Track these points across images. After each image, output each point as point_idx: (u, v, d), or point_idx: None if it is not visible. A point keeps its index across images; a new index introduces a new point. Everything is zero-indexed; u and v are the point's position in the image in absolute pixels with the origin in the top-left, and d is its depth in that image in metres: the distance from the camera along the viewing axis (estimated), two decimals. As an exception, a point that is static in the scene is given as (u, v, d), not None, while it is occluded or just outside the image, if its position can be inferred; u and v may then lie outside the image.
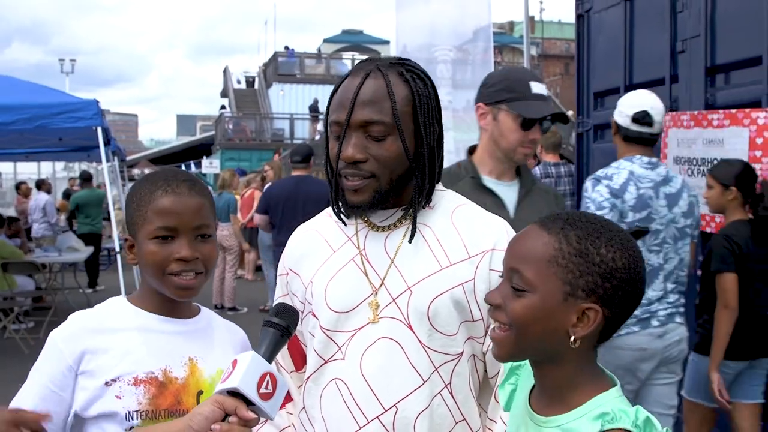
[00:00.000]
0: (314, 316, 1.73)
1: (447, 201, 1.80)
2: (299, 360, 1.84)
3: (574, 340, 1.25)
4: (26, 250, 10.51)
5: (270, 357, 1.42)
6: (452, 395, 1.67)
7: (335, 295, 1.71)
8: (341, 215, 1.76)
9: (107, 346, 1.63)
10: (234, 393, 1.36)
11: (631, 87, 5.23)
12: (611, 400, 1.26)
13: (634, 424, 1.19)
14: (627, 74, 5.23)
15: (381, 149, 1.64)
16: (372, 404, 1.64)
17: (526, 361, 1.40)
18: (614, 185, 3.27)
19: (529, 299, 1.26)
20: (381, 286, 1.68)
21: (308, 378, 1.76)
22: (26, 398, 1.62)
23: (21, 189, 15.80)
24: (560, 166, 6.57)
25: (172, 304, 1.71)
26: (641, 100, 3.41)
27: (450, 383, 1.67)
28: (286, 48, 37.77)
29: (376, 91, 1.64)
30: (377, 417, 1.64)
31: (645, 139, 3.37)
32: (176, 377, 1.64)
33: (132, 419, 1.58)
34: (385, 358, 1.66)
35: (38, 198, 13.84)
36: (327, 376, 1.71)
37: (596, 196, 3.26)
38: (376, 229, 1.75)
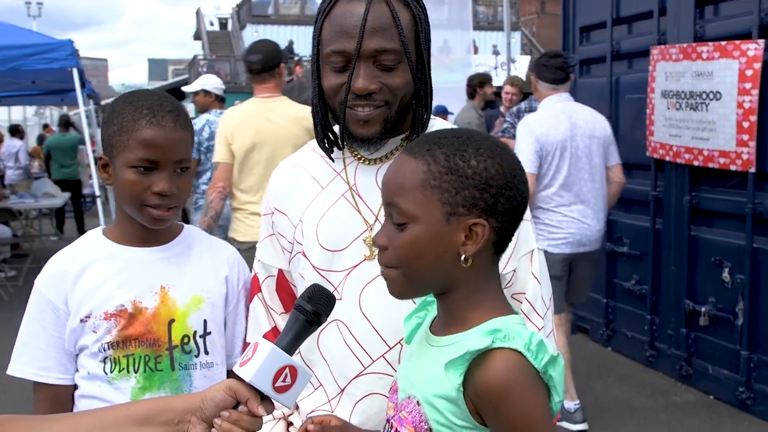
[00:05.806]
0: (305, 256, 1.68)
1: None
2: (288, 301, 1.79)
3: (465, 258, 1.22)
4: (1, 196, 10.33)
5: (292, 347, 1.36)
6: None
7: (327, 233, 1.65)
8: (330, 150, 1.69)
9: (81, 282, 1.69)
10: None
11: (618, 20, 5.20)
12: (508, 323, 1.22)
13: (527, 347, 1.15)
14: (614, 8, 5.18)
15: (393, 78, 1.57)
16: (376, 343, 1.61)
17: None
18: (196, 127, 5.36)
19: (412, 230, 1.23)
20: (375, 221, 1.63)
21: None
22: (38, 354, 1.69)
23: (-7, 135, 15.43)
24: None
25: (147, 232, 1.72)
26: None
27: None
28: (260, -12, 37.01)
29: (382, 17, 1.55)
30: (382, 355, 1.61)
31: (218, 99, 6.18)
32: (146, 307, 1.69)
33: (105, 350, 1.67)
34: (384, 295, 1.58)
35: (10, 144, 13.57)
36: None
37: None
38: (366, 162, 1.68)
